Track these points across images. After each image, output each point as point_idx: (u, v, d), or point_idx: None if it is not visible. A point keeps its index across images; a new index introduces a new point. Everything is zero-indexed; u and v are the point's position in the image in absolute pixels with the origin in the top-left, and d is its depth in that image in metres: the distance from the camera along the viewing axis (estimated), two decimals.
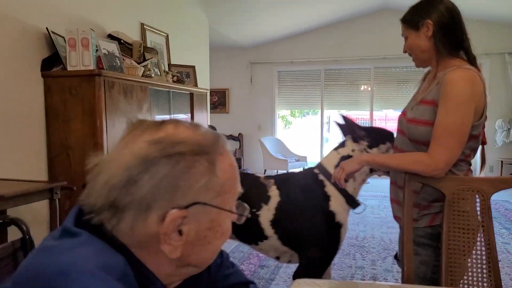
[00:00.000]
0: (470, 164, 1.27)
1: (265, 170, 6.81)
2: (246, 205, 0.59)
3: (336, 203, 1.59)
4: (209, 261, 0.58)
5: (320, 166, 1.69)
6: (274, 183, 1.64)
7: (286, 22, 5.91)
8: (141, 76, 2.64)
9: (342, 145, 1.69)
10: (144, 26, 3.35)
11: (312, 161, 7.35)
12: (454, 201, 1.16)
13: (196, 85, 3.79)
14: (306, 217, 1.59)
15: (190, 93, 3.52)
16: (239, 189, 0.57)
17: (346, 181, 1.37)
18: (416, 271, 1.21)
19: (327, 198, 1.59)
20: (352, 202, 1.63)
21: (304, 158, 6.84)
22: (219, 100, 7.16)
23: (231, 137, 6.97)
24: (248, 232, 1.64)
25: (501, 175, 5.81)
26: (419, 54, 1.28)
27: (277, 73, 6.94)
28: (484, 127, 1.26)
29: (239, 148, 6.92)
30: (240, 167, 5.39)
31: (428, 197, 1.25)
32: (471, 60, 1.24)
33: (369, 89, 6.64)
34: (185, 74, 3.75)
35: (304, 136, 10.13)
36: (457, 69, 1.17)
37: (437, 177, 1.18)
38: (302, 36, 6.63)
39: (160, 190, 0.49)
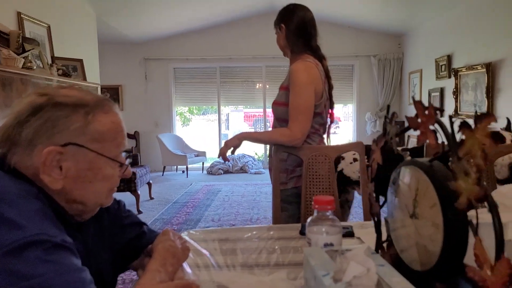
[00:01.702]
0: (322, 137, 1.61)
1: (164, 167, 6.79)
2: (129, 159, 0.74)
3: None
4: (92, 200, 0.69)
5: None
6: None
7: (179, 18, 5.97)
8: (21, 68, 2.50)
9: None
10: (22, 15, 3.12)
11: (211, 156, 7.56)
12: (309, 164, 1.48)
13: (85, 79, 3.66)
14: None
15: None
16: (124, 143, 0.70)
17: (233, 153, 1.55)
18: (285, 224, 1.49)
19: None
20: None
21: (203, 153, 7.01)
22: (111, 97, 6.84)
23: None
24: None
25: None
26: (282, 49, 1.64)
27: (172, 69, 6.95)
28: (332, 107, 1.60)
29: (136, 146, 6.75)
30: (137, 163, 5.28)
31: (292, 163, 1.56)
32: (320, 57, 1.58)
33: (262, 87, 7.12)
34: (71, 67, 3.59)
35: (203, 133, 10.32)
36: (299, 61, 1.51)
37: (297, 146, 1.47)
38: (197, 33, 6.76)
39: (42, 130, 0.62)
